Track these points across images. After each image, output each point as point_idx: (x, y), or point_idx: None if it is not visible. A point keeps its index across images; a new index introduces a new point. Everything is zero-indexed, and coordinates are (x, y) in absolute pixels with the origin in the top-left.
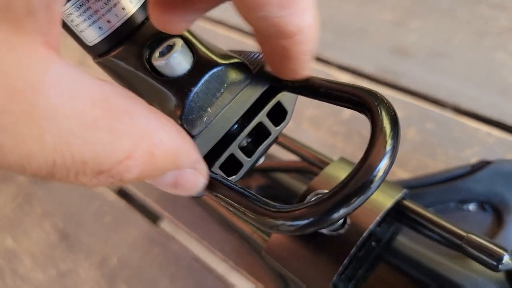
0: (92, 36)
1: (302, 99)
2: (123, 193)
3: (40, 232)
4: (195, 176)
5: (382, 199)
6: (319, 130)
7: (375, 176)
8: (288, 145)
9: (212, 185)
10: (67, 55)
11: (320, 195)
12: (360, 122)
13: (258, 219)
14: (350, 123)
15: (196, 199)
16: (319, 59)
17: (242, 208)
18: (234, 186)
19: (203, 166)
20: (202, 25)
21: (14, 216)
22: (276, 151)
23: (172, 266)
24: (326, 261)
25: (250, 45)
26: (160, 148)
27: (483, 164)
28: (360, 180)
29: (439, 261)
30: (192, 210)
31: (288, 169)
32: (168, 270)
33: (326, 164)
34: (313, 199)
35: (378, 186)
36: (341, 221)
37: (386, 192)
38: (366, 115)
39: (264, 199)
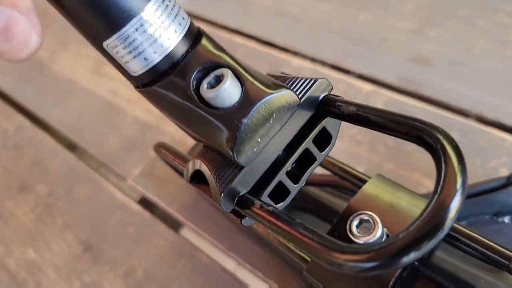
0: (137, 67)
1: None
2: (145, 203)
3: (62, 243)
4: (29, 26)
5: None
6: (343, 139)
7: (447, 217)
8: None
9: (265, 216)
10: (82, 64)
11: (366, 218)
12: None
13: (322, 256)
14: (374, 132)
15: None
16: (339, 69)
17: (305, 243)
18: (291, 219)
19: (37, 20)
20: (218, 33)
21: (34, 227)
22: None
23: (201, 277)
24: (372, 284)
25: (266, 53)
26: None
27: None
28: (432, 221)
29: (478, 276)
30: (217, 221)
31: (319, 183)
32: (196, 282)
33: (359, 179)
34: (355, 221)
35: (451, 227)
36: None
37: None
38: (426, 150)
39: (322, 234)
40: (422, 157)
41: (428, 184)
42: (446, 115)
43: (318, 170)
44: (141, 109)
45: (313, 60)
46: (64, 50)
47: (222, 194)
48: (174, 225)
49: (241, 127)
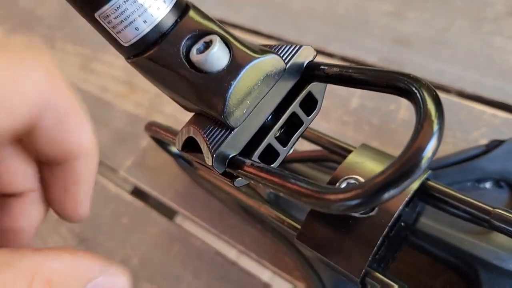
0: (128, 37)
1: None
2: (138, 193)
3: (57, 238)
4: (112, 279)
5: None
6: (330, 121)
7: (424, 157)
8: (307, 134)
9: (257, 172)
10: (69, 61)
11: (353, 181)
12: (369, 111)
13: (312, 199)
14: (359, 113)
15: (214, 192)
16: (322, 53)
17: (296, 189)
18: (281, 172)
19: (115, 266)
20: None
21: None
22: None
23: (195, 262)
24: (361, 243)
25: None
26: (55, 274)
27: (496, 144)
28: (409, 161)
29: (463, 238)
30: (210, 206)
31: (308, 159)
32: (190, 266)
33: (348, 151)
34: (343, 185)
35: (426, 167)
36: None
37: None
38: (407, 98)
39: (312, 181)
40: (406, 134)
41: None
42: None
43: (305, 145)
44: (130, 103)
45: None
46: (51, 48)
47: (214, 155)
48: (167, 213)
49: (230, 89)
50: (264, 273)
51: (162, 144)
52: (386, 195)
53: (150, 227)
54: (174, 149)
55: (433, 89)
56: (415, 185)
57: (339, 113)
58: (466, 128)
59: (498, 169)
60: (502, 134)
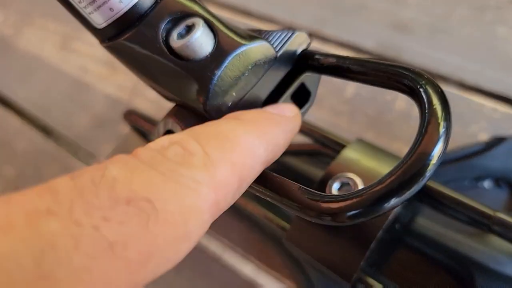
0: (102, 18)
1: None
2: None
3: None
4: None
5: None
6: (323, 110)
7: (429, 163)
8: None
9: None
10: (49, 39)
11: (346, 180)
12: (364, 101)
13: (303, 209)
14: (354, 102)
15: None
16: (317, 37)
17: (285, 197)
18: (270, 174)
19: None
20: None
21: None
22: None
23: None
24: (353, 246)
25: (242, 22)
26: None
27: (497, 141)
28: (413, 167)
29: (460, 240)
30: None
31: (299, 152)
32: None
33: (342, 146)
34: (335, 184)
35: (432, 173)
36: None
37: None
38: (410, 96)
39: (305, 187)
40: (402, 125)
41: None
42: None
43: (297, 138)
44: (112, 86)
45: (290, 29)
46: (29, 25)
47: None
48: None
49: (213, 79)
50: (250, 270)
51: (142, 133)
52: (387, 206)
53: None
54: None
55: (439, 87)
56: None
57: (333, 101)
58: (464, 122)
59: (498, 168)
60: (501, 129)
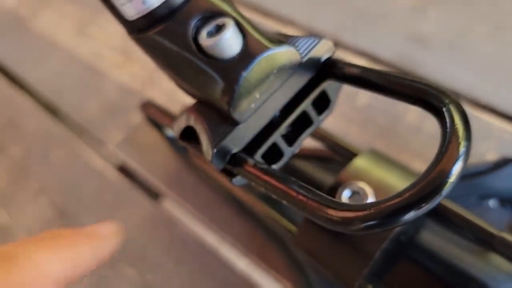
0: (134, 10)
1: None
2: (125, 170)
3: (36, 208)
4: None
5: None
6: (334, 117)
7: (448, 180)
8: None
9: (259, 174)
10: (65, 23)
11: (357, 189)
12: (376, 111)
13: (318, 213)
14: (366, 111)
15: (206, 179)
16: (335, 43)
17: (300, 200)
18: (285, 176)
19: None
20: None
21: (8, 190)
22: None
23: (178, 249)
24: (357, 255)
25: (258, 22)
26: None
27: (505, 162)
28: (432, 184)
29: (461, 256)
30: (200, 192)
31: (310, 156)
32: (173, 253)
33: (354, 154)
34: (345, 191)
35: (451, 190)
36: None
37: None
38: (433, 114)
39: (318, 191)
40: (412, 138)
41: (417, 166)
42: None
43: (308, 142)
44: (125, 74)
45: (307, 31)
46: (46, 8)
47: (215, 150)
48: (154, 195)
49: (239, 80)
50: (251, 268)
51: (157, 125)
52: (403, 219)
53: (134, 208)
54: (170, 132)
55: (462, 107)
56: None
57: (344, 109)
58: (474, 140)
59: (504, 188)
60: (511, 150)
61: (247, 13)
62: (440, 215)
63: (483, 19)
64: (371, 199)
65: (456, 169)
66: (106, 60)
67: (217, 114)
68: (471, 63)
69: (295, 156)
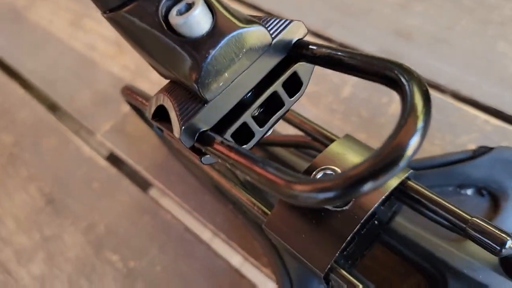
0: None
1: None
2: (113, 159)
3: (24, 195)
4: None
5: None
6: (318, 107)
7: (403, 155)
8: (291, 118)
9: (226, 151)
10: (60, 14)
11: (329, 172)
12: (360, 102)
13: (280, 187)
14: (350, 102)
15: (190, 167)
16: (321, 37)
17: (264, 175)
18: (251, 154)
19: None
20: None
21: None
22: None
23: (162, 236)
24: (329, 238)
25: None
26: None
27: (484, 151)
28: (388, 157)
29: (437, 243)
30: (185, 180)
31: (289, 143)
32: (157, 240)
33: (331, 140)
34: (319, 175)
35: (406, 165)
36: None
37: None
38: (395, 90)
39: (282, 167)
40: None
41: None
42: None
43: (289, 130)
44: (117, 65)
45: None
46: (43, 0)
47: (183, 128)
48: (141, 183)
49: (207, 58)
50: (232, 255)
51: (140, 111)
52: (361, 189)
53: (121, 195)
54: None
55: (424, 84)
56: (394, 183)
57: (329, 99)
58: (456, 132)
59: (482, 177)
60: (492, 141)
61: (233, 5)
62: (415, 200)
63: (467, 14)
64: None
65: (413, 143)
66: (99, 51)
67: (188, 93)
68: (455, 57)
69: (276, 143)
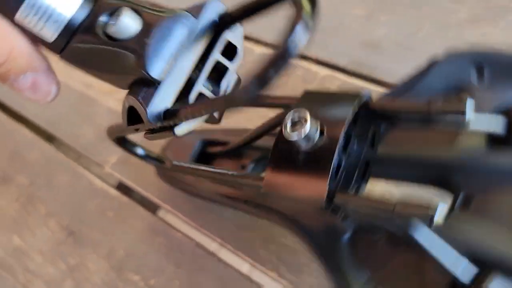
0: (51, 31)
1: None
2: (123, 188)
3: (45, 230)
4: (50, 80)
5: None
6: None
7: (295, 47)
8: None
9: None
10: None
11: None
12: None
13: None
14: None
15: (193, 190)
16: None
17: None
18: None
19: (55, 75)
20: None
21: (18, 216)
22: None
23: (176, 253)
24: (316, 170)
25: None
26: (18, 50)
27: (431, 64)
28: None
29: (433, 149)
30: (190, 202)
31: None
32: (172, 257)
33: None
34: (289, 124)
35: (297, 52)
36: (317, 135)
37: (349, 98)
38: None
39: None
40: None
41: None
42: None
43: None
44: (113, 99)
45: (274, 47)
46: None
47: (148, 110)
48: (151, 207)
49: (145, 46)
50: (241, 263)
51: (130, 150)
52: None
53: (134, 220)
54: (140, 151)
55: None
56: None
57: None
58: None
59: (439, 88)
60: None
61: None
62: (384, 115)
63: (429, 19)
64: (309, 119)
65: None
66: (95, 88)
67: (143, 85)
68: (420, 62)
69: (255, 138)
